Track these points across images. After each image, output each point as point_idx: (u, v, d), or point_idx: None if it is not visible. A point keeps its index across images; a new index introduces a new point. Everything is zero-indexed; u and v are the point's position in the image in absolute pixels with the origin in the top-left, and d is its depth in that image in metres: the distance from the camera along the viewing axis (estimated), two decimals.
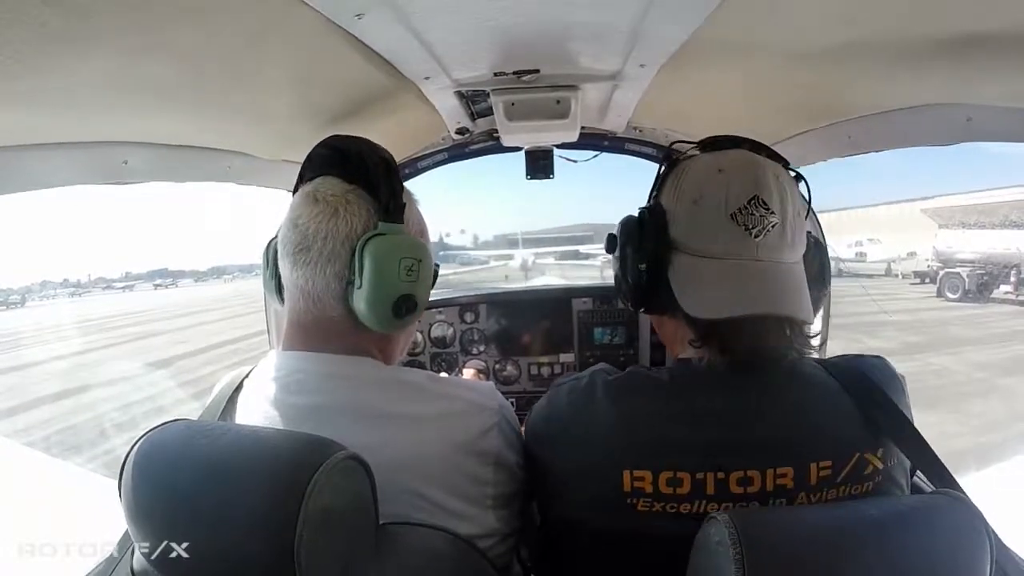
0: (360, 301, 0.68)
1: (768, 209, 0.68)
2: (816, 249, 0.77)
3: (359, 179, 0.70)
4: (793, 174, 0.75)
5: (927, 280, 15.93)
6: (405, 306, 0.70)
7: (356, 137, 0.74)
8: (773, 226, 0.68)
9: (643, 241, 0.73)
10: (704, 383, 0.69)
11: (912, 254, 19.27)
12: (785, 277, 0.70)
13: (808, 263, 0.74)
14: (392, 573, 0.57)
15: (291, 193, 0.75)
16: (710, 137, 0.76)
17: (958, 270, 14.30)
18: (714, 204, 0.69)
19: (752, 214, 0.67)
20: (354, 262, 0.68)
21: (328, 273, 0.68)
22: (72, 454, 6.32)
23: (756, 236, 0.68)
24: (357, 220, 0.69)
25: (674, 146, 0.78)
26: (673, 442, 0.66)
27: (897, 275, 18.71)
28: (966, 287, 13.91)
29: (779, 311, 0.67)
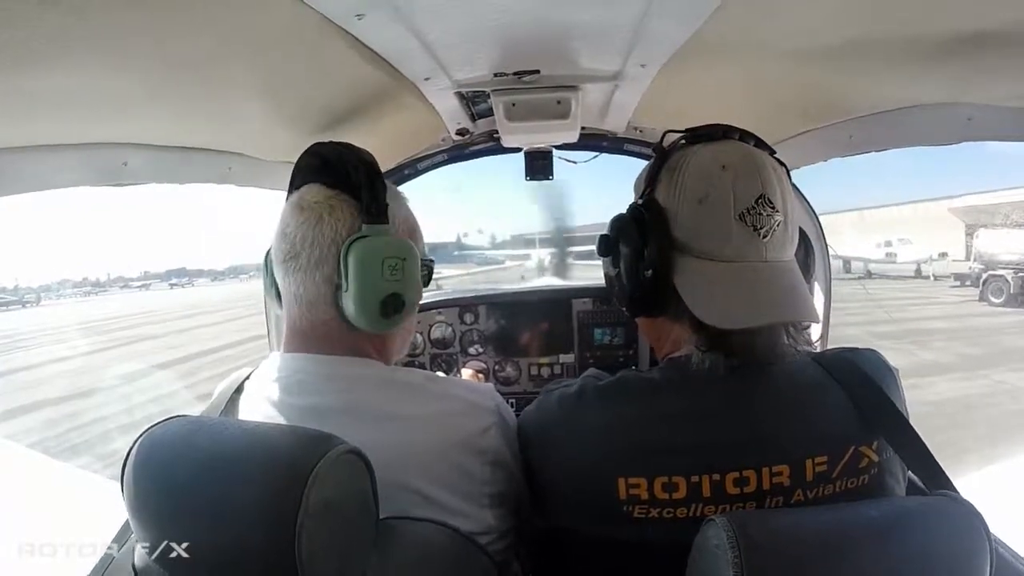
0: (348, 303, 0.69)
1: (774, 207, 0.67)
2: (801, 239, 0.77)
3: (341, 184, 0.72)
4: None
5: (967, 283, 15.10)
6: (392, 305, 0.70)
7: (338, 143, 0.74)
8: (778, 224, 0.67)
9: (645, 244, 0.70)
10: (695, 384, 0.68)
11: (944, 255, 18.67)
12: (791, 278, 0.69)
13: (795, 254, 0.73)
14: (392, 566, 0.58)
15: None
16: (700, 126, 0.73)
17: (1001, 272, 13.49)
18: (722, 204, 0.66)
19: (760, 214, 0.66)
20: (340, 266, 0.69)
21: (317, 278, 0.70)
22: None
23: (764, 236, 0.66)
24: (341, 224, 0.70)
25: (664, 137, 0.75)
26: (666, 446, 0.65)
27: (928, 277, 18.09)
28: (1011, 290, 13.08)
29: (792, 317, 0.67)
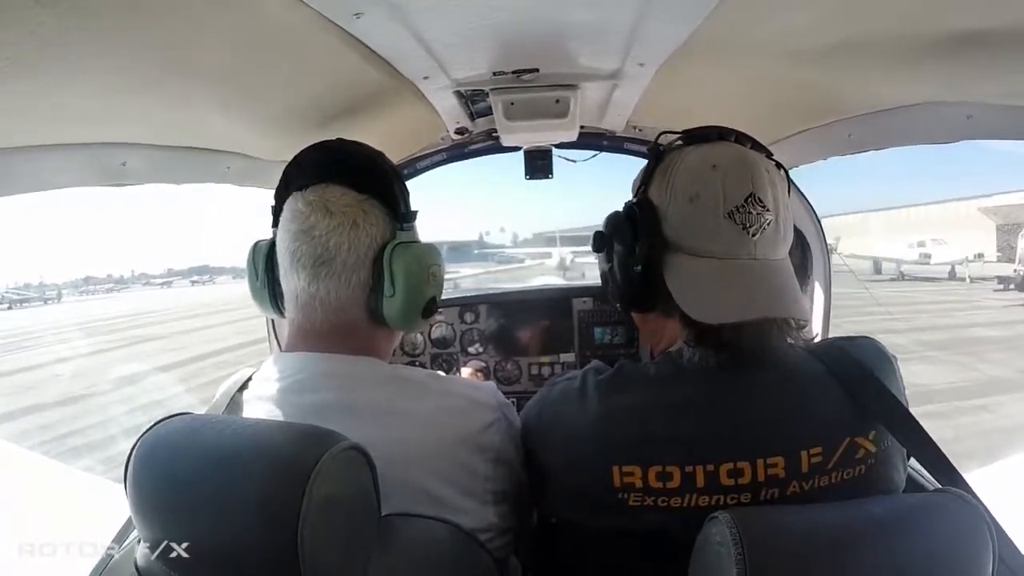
0: (393, 308, 0.71)
1: (764, 206, 0.68)
2: (797, 240, 0.78)
3: (371, 188, 0.72)
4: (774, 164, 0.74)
5: (1011, 286, 14.55)
6: (430, 308, 0.76)
7: (353, 142, 0.75)
8: (768, 223, 0.68)
9: (637, 240, 0.72)
10: (691, 377, 0.69)
11: (980, 255, 18.01)
12: (781, 276, 0.70)
13: (791, 254, 0.74)
14: (394, 563, 0.58)
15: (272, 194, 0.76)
16: (696, 128, 0.75)
17: None
18: (711, 202, 0.68)
19: (749, 212, 0.67)
20: (379, 270, 0.70)
21: (353, 283, 0.71)
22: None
23: (753, 235, 0.68)
24: (376, 230, 0.72)
25: (660, 138, 0.77)
26: (661, 436, 0.66)
27: (964, 279, 17.50)
28: None
29: (779, 314, 0.68)
